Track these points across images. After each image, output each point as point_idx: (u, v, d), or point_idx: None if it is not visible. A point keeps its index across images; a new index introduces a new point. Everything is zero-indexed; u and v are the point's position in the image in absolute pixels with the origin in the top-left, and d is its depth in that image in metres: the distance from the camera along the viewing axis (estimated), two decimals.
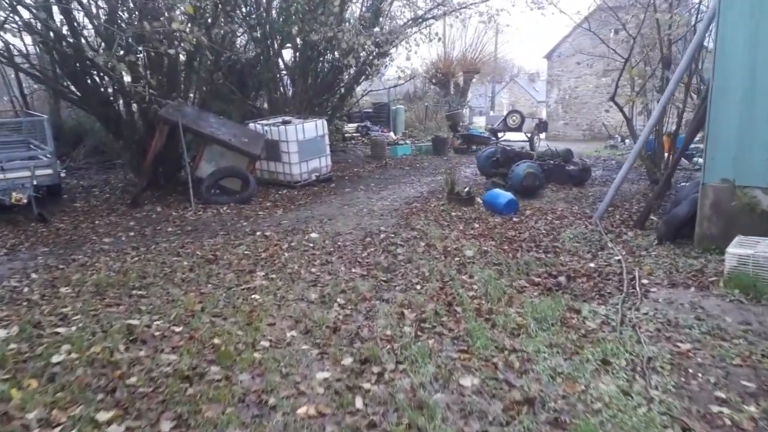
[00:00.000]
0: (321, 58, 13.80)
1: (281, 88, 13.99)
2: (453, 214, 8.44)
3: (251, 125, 11.88)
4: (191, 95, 12.42)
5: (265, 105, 15.09)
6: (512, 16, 34.83)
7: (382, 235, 7.42)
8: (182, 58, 11.92)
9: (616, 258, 6.29)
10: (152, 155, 10.28)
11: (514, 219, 8.13)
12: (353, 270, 6.00)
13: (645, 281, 5.58)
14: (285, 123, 11.72)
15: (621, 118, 30.17)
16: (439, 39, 12.84)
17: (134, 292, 5.42)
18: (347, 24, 10.05)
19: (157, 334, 4.36)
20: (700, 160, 13.28)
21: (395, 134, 22.36)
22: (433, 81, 25.95)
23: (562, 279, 5.66)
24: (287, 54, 14.80)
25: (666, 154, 10.09)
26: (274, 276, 5.82)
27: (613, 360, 3.83)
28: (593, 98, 30.82)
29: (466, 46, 30.75)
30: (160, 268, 6.21)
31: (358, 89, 17.26)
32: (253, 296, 5.20)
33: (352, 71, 14.44)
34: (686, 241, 6.72)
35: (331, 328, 4.41)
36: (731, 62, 6.00)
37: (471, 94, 33.24)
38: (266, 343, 4.16)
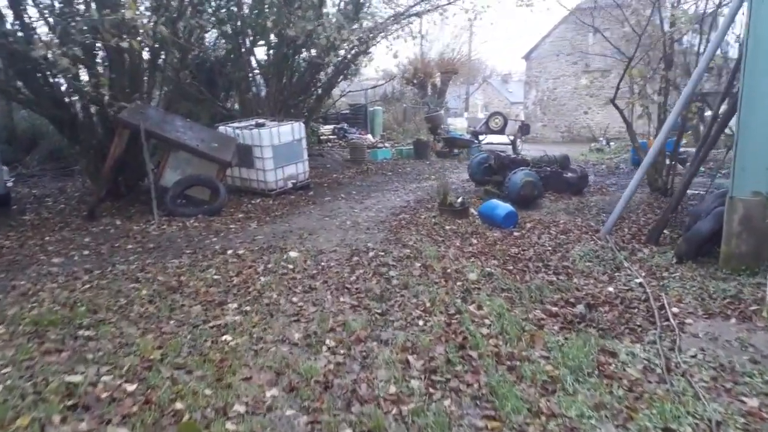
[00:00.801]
0: (297, 56, 12.92)
1: (254, 88, 13.06)
2: (447, 227, 7.67)
3: (221, 128, 10.95)
4: (155, 96, 11.41)
5: (237, 106, 14.14)
6: (496, 12, 33.96)
7: (371, 254, 6.60)
8: (146, 55, 10.94)
9: (637, 281, 5.60)
10: (111, 162, 9.29)
11: (515, 233, 7.40)
12: (341, 299, 5.17)
13: (675, 309, 4.88)
14: (258, 126, 10.83)
15: (600, 119, 29.96)
16: (423, 37, 12.04)
17: (81, 332, 4.50)
18: (328, 17, 9.22)
19: (104, 396, 3.47)
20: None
21: (373, 136, 21.58)
22: (414, 82, 25.19)
23: (581, 308, 4.94)
24: (260, 52, 13.88)
25: (667, 161, 9.49)
26: (248, 308, 4.96)
27: (675, 427, 3.09)
28: (572, 100, 30.50)
29: (444, 46, 30.18)
30: (114, 298, 5.29)
31: (336, 90, 16.37)
32: (224, 337, 4.33)
33: (329, 70, 13.59)
34: (709, 259, 6.07)
35: (321, 384, 3.59)
36: (765, 62, 5.34)
37: (448, 95, 32.60)
38: (241, 408, 3.32)
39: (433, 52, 29.15)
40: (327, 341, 4.21)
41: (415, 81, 24.83)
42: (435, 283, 5.49)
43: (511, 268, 6.08)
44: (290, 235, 7.67)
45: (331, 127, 21.43)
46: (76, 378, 3.67)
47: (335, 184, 11.99)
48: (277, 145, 10.69)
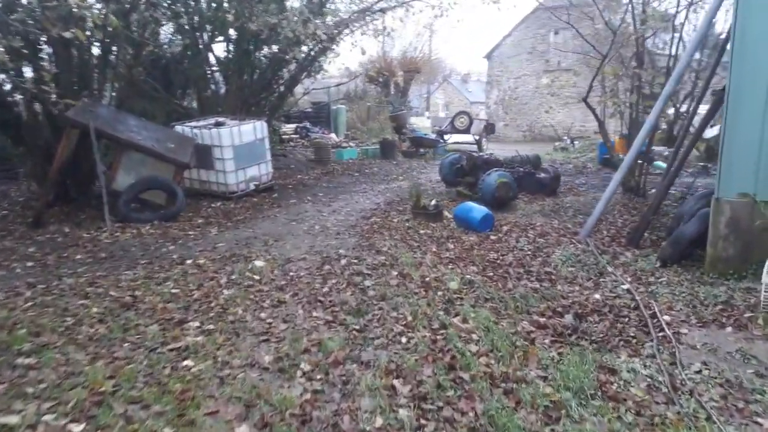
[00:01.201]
0: (258, 52, 12.38)
1: (212, 86, 12.46)
2: (422, 231, 7.31)
3: (178, 128, 10.35)
4: (106, 93, 10.72)
5: (195, 105, 13.49)
6: (462, 9, 33.57)
7: (343, 261, 6.19)
8: (96, 50, 10.26)
9: (623, 287, 5.35)
10: (59, 164, 8.62)
11: (492, 237, 7.10)
12: (314, 314, 4.75)
13: (667, 318, 4.65)
14: (218, 125, 10.29)
15: (561, 118, 30.18)
16: (388, 34, 11.68)
17: (21, 360, 3.96)
18: (292, 10, 8.73)
19: None
20: (662, 164, 12.83)
21: (337, 136, 21.14)
22: (380, 80, 24.82)
23: (570, 318, 4.66)
24: (220, 48, 13.29)
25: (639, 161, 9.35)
26: (211, 327, 4.49)
27: None
28: (533, 99, 30.66)
29: (407, 45, 29.90)
30: (60, 317, 4.74)
31: (298, 88, 15.85)
32: (185, 363, 3.86)
33: (292, 67, 13.09)
34: (692, 263, 5.89)
35: (298, 417, 3.17)
36: (753, 58, 5.16)
37: (410, 94, 32.34)
38: None
39: (395, 50, 28.88)
40: (302, 365, 3.79)
41: (380, 79, 24.46)
42: (414, 294, 5.12)
43: (492, 274, 5.77)
44: (254, 241, 7.20)
45: (293, 126, 20.91)
46: (12, 419, 3.16)
47: (300, 186, 11.52)
48: (238, 145, 10.17)
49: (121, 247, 7.14)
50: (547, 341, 4.22)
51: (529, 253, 6.44)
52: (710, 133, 13.74)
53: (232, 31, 11.91)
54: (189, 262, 6.34)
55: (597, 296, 5.19)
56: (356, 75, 17.17)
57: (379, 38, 23.26)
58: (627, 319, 4.66)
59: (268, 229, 7.89)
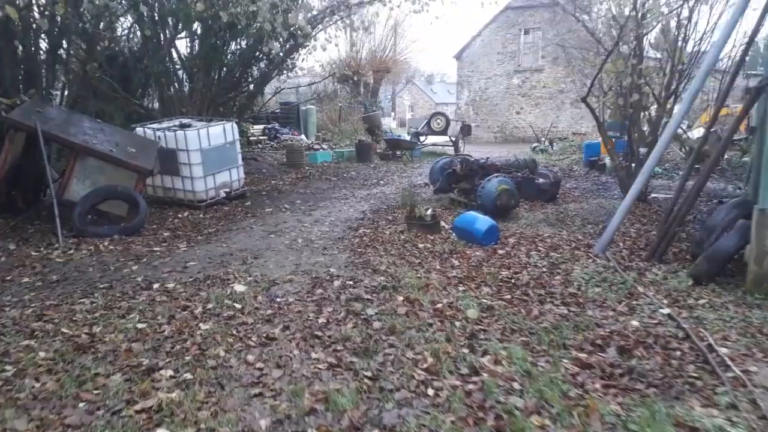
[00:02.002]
0: (226, 48, 11.45)
1: (176, 84, 11.47)
2: (420, 245, 6.55)
3: (139, 130, 9.36)
4: (57, 93, 9.66)
5: (156, 105, 12.46)
6: (443, 5, 32.57)
7: (337, 283, 5.39)
8: (43, 45, 9.21)
9: (662, 311, 4.70)
10: (2, 172, 7.61)
11: (498, 251, 6.39)
12: (313, 354, 3.94)
13: (725, 350, 4.00)
14: (183, 127, 9.35)
15: (532, 119, 29.88)
16: (367, 28, 10.90)
17: None
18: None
19: None
20: (659, 170, 12.42)
21: (307, 137, 20.26)
22: (355, 79, 24.01)
23: (613, 352, 3.99)
24: (184, 44, 12.31)
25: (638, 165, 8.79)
26: (189, 375, 3.63)
27: None
28: (504, 100, 30.30)
29: (376, 44, 29.17)
30: None
31: (268, 87, 14.91)
32: (157, 431, 3.02)
33: (262, 65, 12.19)
34: (727, 280, 5.30)
35: None
36: None
37: (381, 94, 31.63)
38: None
39: (364, 50, 28.11)
40: None
41: (355, 78, 23.65)
42: (429, 325, 4.36)
43: (510, 297, 5.05)
44: (231, 259, 6.33)
45: (261, 127, 19.96)
46: None
47: (275, 193, 10.63)
48: (206, 148, 9.25)
49: (76, 268, 6.18)
50: (598, 386, 3.52)
51: (545, 270, 5.75)
52: (695, 134, 13.41)
53: (196, 25, 10.96)
54: (156, 286, 5.44)
55: (635, 323, 4.52)
56: (331, 73, 16.30)
57: (353, 35, 22.53)
58: (680, 354, 4.00)
59: (245, 244, 7.02)
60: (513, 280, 5.46)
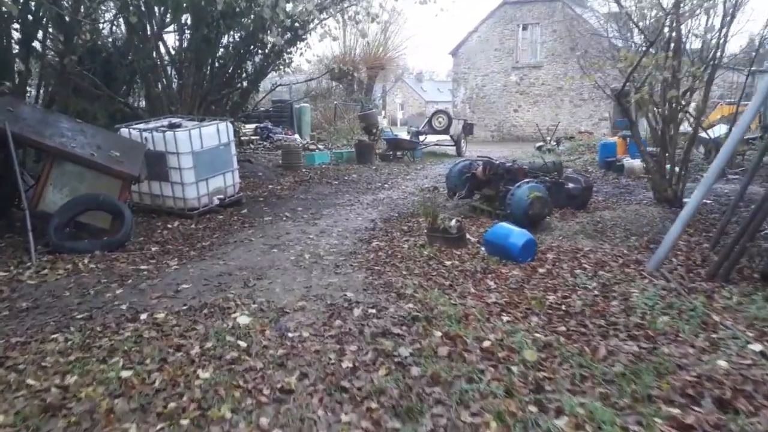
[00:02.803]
0: (220, 40, 10.58)
1: (164, 80, 10.59)
2: (447, 262, 5.74)
3: (124, 131, 8.49)
4: (32, 89, 8.76)
5: (143, 103, 11.56)
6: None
7: (357, 311, 4.58)
8: (16, 35, 8.31)
9: (753, 348, 3.94)
10: None
11: (538, 268, 5.60)
12: (343, 417, 3.13)
13: None
14: (173, 127, 8.50)
15: (530, 117, 29.18)
16: (374, 19, 10.07)
17: None
18: None
19: None
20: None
21: (301, 137, 19.43)
22: (353, 75, 23.15)
23: (709, 406, 3.23)
24: (172, 36, 11.42)
25: (674, 167, 8.06)
26: None
27: None
28: (501, 97, 29.63)
29: (371, 39, 28.34)
30: None
31: (260, 84, 14.02)
32: None
33: (258, 59, 11.34)
34: None
35: None
36: None
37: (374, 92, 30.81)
38: None
39: (358, 46, 27.28)
40: None
41: (354, 74, 22.79)
42: (480, 372, 3.56)
43: (565, 329, 4.26)
44: (230, 280, 5.50)
45: (253, 126, 19.10)
46: None
47: (273, 198, 9.79)
48: (198, 151, 8.40)
49: (51, 292, 5.33)
50: None
51: (598, 293, 4.97)
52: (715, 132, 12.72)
53: (185, 18, 10.10)
54: (144, 317, 4.61)
55: (723, 364, 3.75)
56: (329, 68, 15.42)
57: (347, 30, 21.67)
58: None
59: (245, 261, 6.19)
60: (564, 306, 4.68)
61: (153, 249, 6.83)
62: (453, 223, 6.18)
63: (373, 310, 4.58)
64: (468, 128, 18.00)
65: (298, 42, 11.35)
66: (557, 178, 7.68)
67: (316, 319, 4.48)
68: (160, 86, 10.34)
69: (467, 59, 30.17)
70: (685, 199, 7.97)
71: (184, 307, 4.79)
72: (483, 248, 6.05)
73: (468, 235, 6.44)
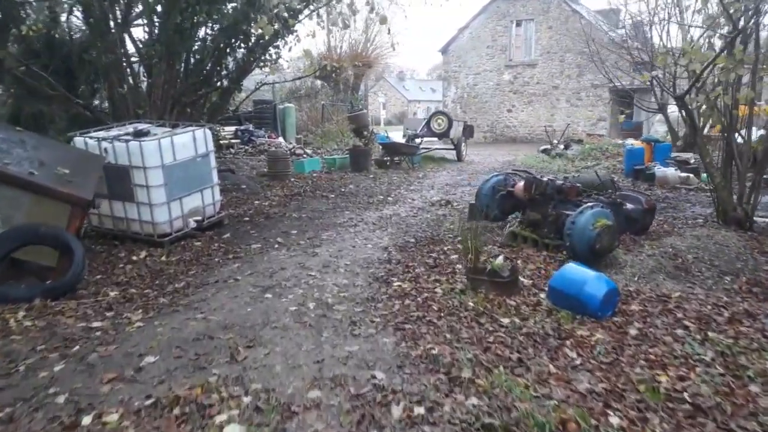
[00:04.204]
0: (195, 32, 9.05)
1: (130, 79, 9.04)
2: (503, 319, 4.31)
3: (78, 140, 6.97)
4: None
5: (107, 105, 10.00)
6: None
7: (397, 411, 3.16)
8: None
9: None
10: None
11: (627, 328, 4.22)
12: None
13: None
14: (139, 135, 7.00)
15: (524, 118, 27.95)
16: (372, 9, 8.62)
17: None
18: None
19: None
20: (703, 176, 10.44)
21: (285, 140, 17.95)
22: (333, 75, 21.67)
23: None
24: (142, 29, 9.88)
25: (744, 182, 6.73)
26: None
27: None
28: (494, 97, 28.42)
29: (356, 36, 26.92)
30: None
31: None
32: None
33: (240, 54, 9.85)
34: None
35: None
36: None
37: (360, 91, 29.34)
38: None
39: (345, 42, 25.84)
40: None
41: (340, 73, 21.32)
42: None
43: None
44: (211, 348, 4.04)
45: (233, 128, 17.59)
46: None
47: (261, 218, 8.30)
48: (170, 164, 6.92)
49: None
50: None
51: (722, 369, 3.61)
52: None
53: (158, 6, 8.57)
54: (87, 421, 3.16)
55: None
56: (321, 65, 13.92)
57: (332, 26, 20.18)
58: None
59: (231, 313, 4.73)
60: (686, 395, 3.31)
61: (111, 294, 5.34)
62: (500, 260, 4.79)
63: (421, 410, 3.17)
64: (468, 131, 16.67)
65: (287, 34, 9.88)
66: (614, 198, 6.30)
67: (338, 423, 3.07)
68: (125, 86, 8.79)
69: (458, 57, 28.87)
70: (757, 219, 6.71)
71: (147, 403, 3.33)
72: (548, 298, 4.65)
73: (522, 278, 5.03)
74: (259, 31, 9.79)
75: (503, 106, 28.17)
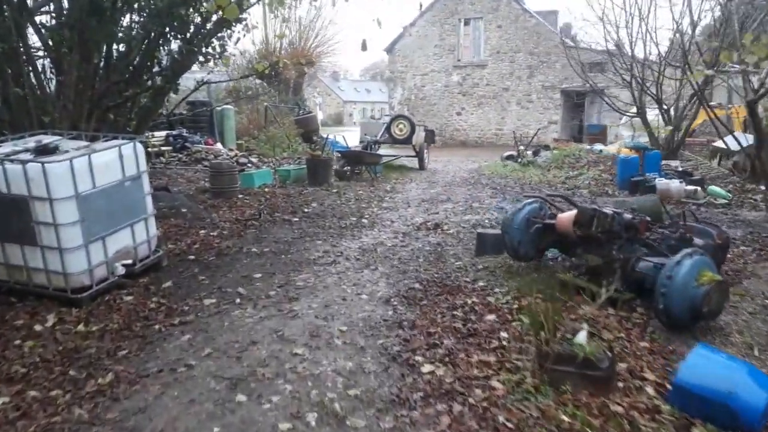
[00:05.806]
0: (119, 16, 7.11)
1: (32, 76, 7.00)
2: None
3: None
4: None
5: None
6: None
7: None
8: None
9: None
10: None
11: None
12: None
13: None
14: (43, 152, 5.10)
15: (474, 121, 26.82)
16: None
17: None
18: None
19: None
20: (720, 190, 9.46)
21: (224, 146, 15.99)
22: (281, 72, 19.73)
23: None
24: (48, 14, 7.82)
25: None
26: None
27: None
28: (443, 99, 27.29)
29: (294, 33, 25.08)
30: None
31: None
32: None
33: (175, 46, 7.97)
34: None
35: None
36: None
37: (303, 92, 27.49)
38: None
39: (285, 39, 23.89)
40: None
41: (283, 72, 19.42)
42: None
43: None
44: None
45: (164, 134, 15.48)
46: None
47: (211, 256, 6.46)
48: (87, 193, 5.06)
49: None
50: None
51: None
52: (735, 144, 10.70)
53: None
54: None
55: None
56: (276, 63, 12.07)
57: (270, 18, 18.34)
58: None
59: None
60: None
61: None
62: (583, 337, 3.31)
63: None
64: (430, 136, 15.30)
65: (236, 23, 8.10)
66: (681, 232, 4.92)
67: None
68: (26, 86, 6.75)
69: (404, 57, 27.56)
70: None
71: None
72: (652, 390, 3.20)
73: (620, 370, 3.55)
74: (198, 20, 8.06)
75: (452, 109, 27.09)
